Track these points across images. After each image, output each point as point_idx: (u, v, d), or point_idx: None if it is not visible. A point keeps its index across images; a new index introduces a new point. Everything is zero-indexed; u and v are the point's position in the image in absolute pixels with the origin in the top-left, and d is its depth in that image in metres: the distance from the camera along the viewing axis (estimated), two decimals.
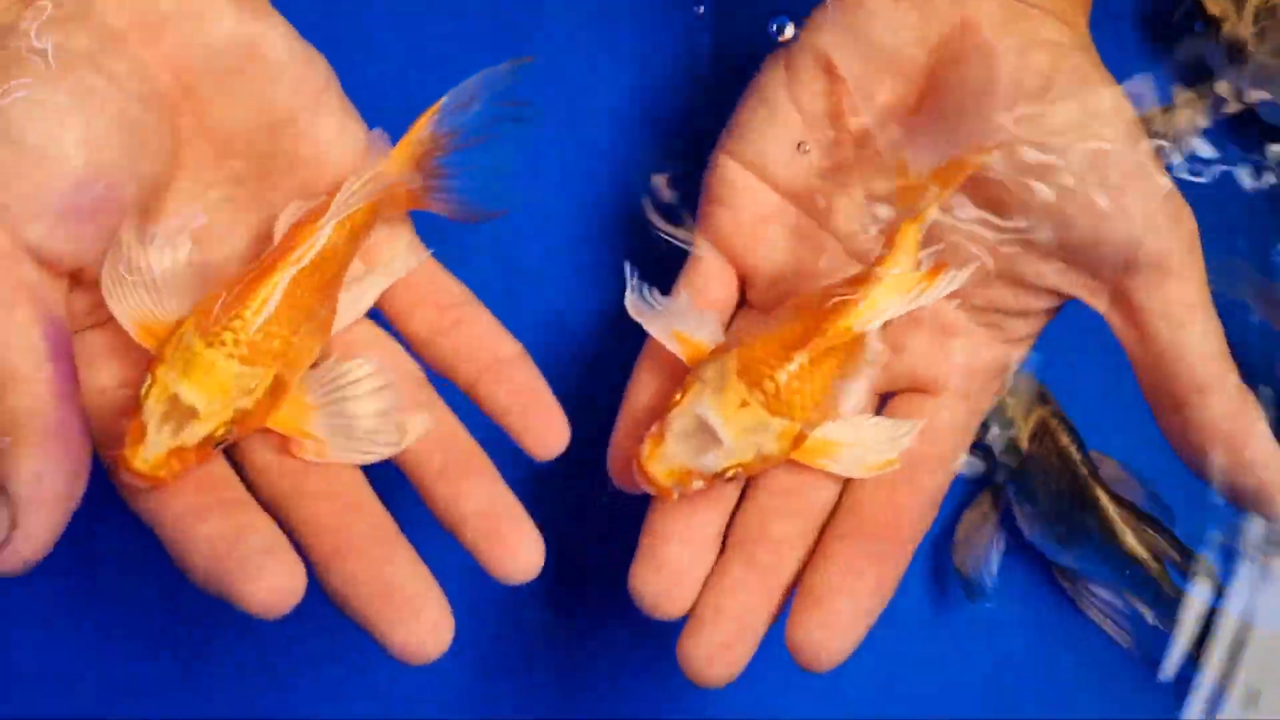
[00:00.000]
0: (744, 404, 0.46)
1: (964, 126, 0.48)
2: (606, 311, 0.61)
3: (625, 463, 0.48)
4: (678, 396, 0.46)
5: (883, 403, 0.53)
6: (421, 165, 0.50)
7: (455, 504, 0.46)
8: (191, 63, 0.47)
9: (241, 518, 0.44)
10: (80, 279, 0.46)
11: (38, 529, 0.41)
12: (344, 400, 0.47)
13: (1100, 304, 0.50)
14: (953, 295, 0.51)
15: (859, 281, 0.48)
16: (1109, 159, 0.48)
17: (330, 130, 0.49)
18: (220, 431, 0.43)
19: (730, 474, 0.46)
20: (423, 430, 0.47)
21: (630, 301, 0.50)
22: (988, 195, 0.49)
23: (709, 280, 0.53)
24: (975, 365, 0.52)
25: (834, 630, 0.46)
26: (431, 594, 0.44)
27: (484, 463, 0.48)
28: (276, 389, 0.45)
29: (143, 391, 0.43)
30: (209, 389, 0.43)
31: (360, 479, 0.47)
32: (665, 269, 0.53)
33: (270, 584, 0.42)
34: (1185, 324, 0.48)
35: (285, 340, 0.45)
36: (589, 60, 0.62)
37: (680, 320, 0.50)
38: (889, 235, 0.49)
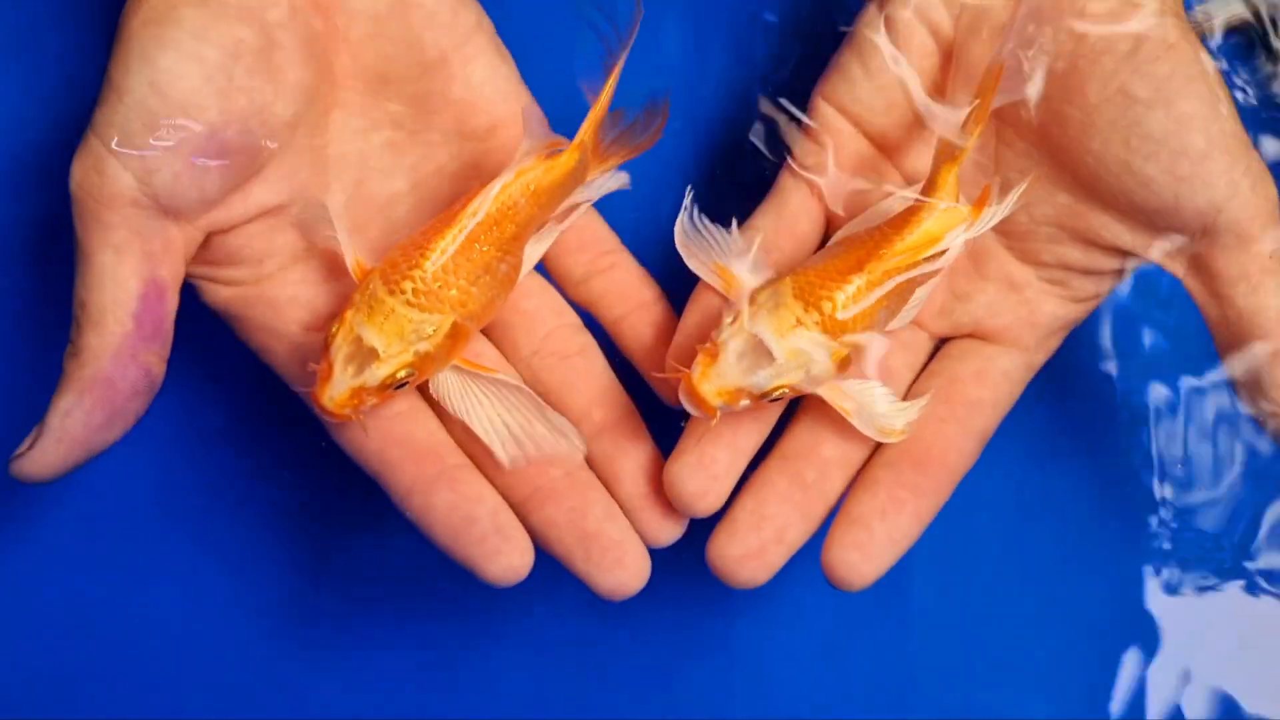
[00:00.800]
0: (798, 323, 0.47)
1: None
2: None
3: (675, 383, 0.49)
4: (729, 319, 0.47)
5: (938, 346, 0.54)
6: (598, 139, 0.51)
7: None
8: (344, 6, 0.48)
9: (468, 489, 0.48)
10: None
11: (47, 456, 0.44)
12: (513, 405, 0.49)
13: (1177, 269, 0.50)
14: (1021, 251, 0.51)
15: (908, 217, 0.49)
16: (1194, 123, 0.47)
17: (481, 71, 0.50)
18: (401, 373, 0.46)
19: (777, 394, 0.47)
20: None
21: (679, 228, 0.50)
22: (1066, 160, 0.49)
23: (799, 215, 0.53)
24: (1037, 319, 0.52)
25: (868, 553, 0.48)
26: (628, 537, 0.48)
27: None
28: (456, 334, 0.47)
29: (331, 332, 0.46)
30: (388, 333, 0.45)
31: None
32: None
33: (506, 564, 0.47)
34: (1263, 288, 0.48)
35: (463, 290, 0.47)
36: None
37: (727, 256, 0.50)
38: (929, 177, 0.49)
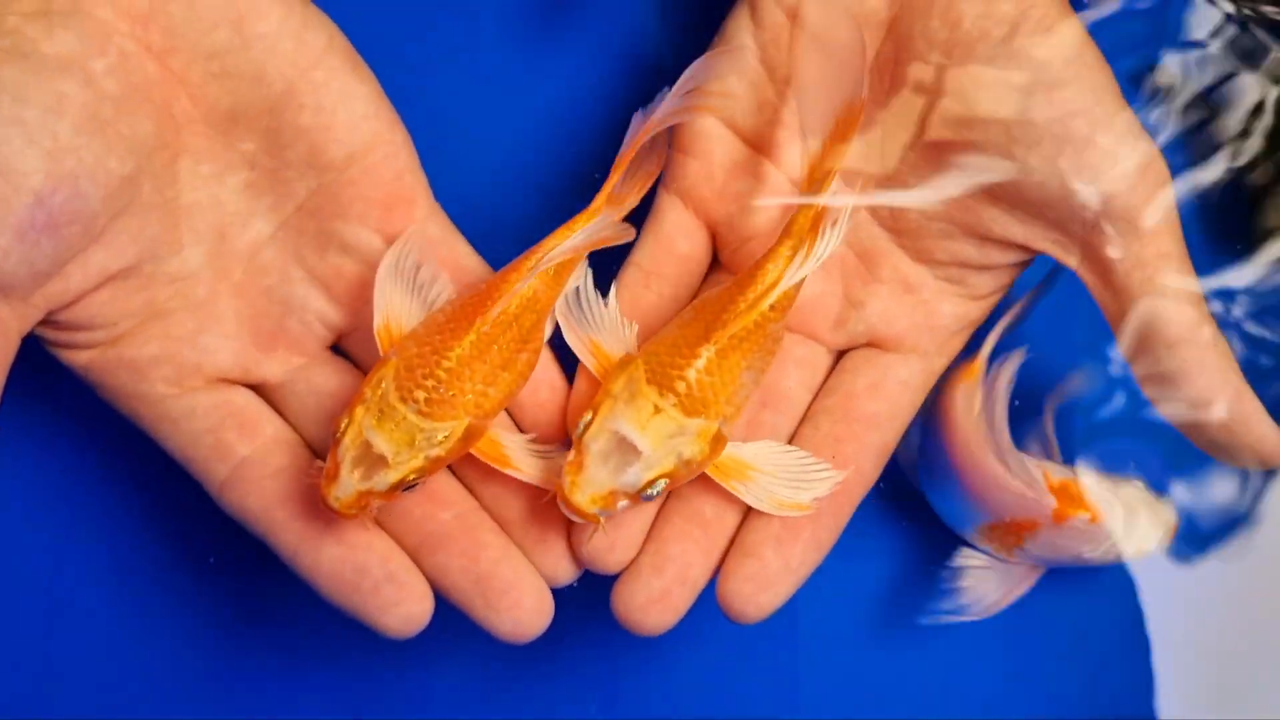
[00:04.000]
0: (657, 410, 0.45)
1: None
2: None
3: None
4: (588, 416, 0.45)
5: (838, 358, 0.52)
6: (623, 195, 0.50)
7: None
8: (179, 47, 0.45)
9: (356, 539, 0.46)
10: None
11: None
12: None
13: (1070, 259, 0.48)
14: (914, 249, 0.49)
15: (754, 271, 0.47)
16: (1077, 111, 0.46)
17: (333, 96, 0.47)
18: (411, 477, 0.44)
19: (655, 488, 0.45)
20: None
21: (560, 303, 0.49)
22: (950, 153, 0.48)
23: (675, 235, 0.51)
24: (935, 322, 0.50)
25: (761, 583, 0.47)
26: (524, 576, 0.46)
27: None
28: (469, 435, 0.45)
29: (340, 428, 0.44)
30: (398, 441, 0.44)
31: (444, 472, 0.48)
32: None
33: (403, 614, 0.45)
34: (1158, 276, 0.46)
35: (479, 393, 0.45)
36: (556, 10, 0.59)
37: (600, 331, 0.49)
38: (785, 223, 0.47)
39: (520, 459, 0.47)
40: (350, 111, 0.47)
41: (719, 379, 0.46)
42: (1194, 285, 0.47)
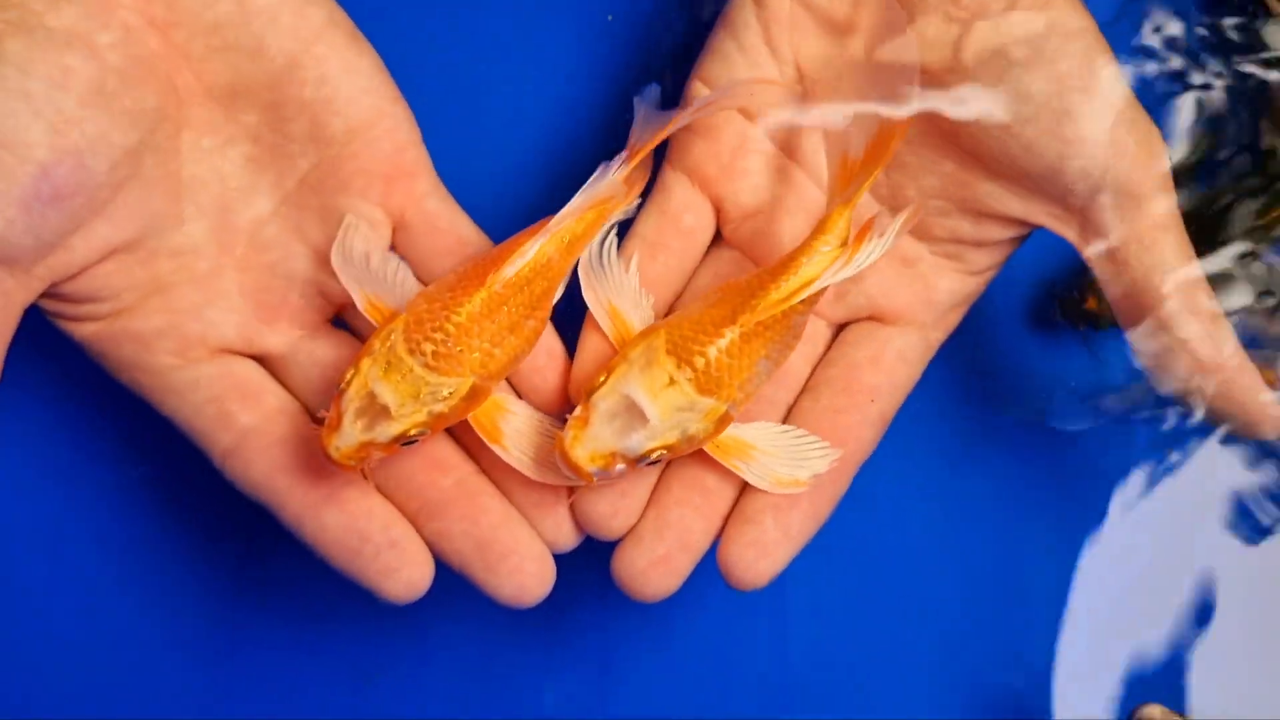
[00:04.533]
0: (671, 382, 0.45)
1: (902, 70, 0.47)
2: None
3: None
4: (602, 378, 0.45)
5: (838, 331, 0.52)
6: (634, 178, 0.50)
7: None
8: (182, 20, 0.46)
9: (357, 506, 0.46)
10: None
11: None
12: (538, 427, 0.48)
13: (1070, 232, 0.48)
14: (914, 227, 0.49)
15: (788, 262, 0.47)
16: (1073, 82, 0.46)
17: (335, 71, 0.47)
18: (413, 431, 0.44)
19: (655, 456, 0.45)
20: None
21: (584, 260, 0.49)
22: (947, 128, 0.48)
23: (680, 210, 0.51)
24: (933, 296, 0.51)
25: (762, 549, 0.47)
26: (525, 541, 0.46)
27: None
28: (474, 395, 0.45)
29: (345, 380, 0.44)
30: (403, 392, 0.44)
31: (445, 435, 0.48)
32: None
33: (403, 579, 0.46)
34: (1155, 247, 0.47)
35: (485, 352, 0.45)
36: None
37: (619, 295, 0.49)
38: (821, 219, 0.47)
39: (521, 429, 0.47)
40: (351, 85, 0.47)
41: (738, 362, 0.46)
42: (1191, 256, 0.47)
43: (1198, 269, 0.47)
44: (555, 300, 0.49)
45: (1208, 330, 0.47)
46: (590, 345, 0.49)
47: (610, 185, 0.48)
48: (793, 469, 0.48)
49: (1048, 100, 0.46)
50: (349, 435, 0.43)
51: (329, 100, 0.47)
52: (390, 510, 0.47)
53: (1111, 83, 0.46)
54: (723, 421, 0.46)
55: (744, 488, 0.48)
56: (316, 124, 0.47)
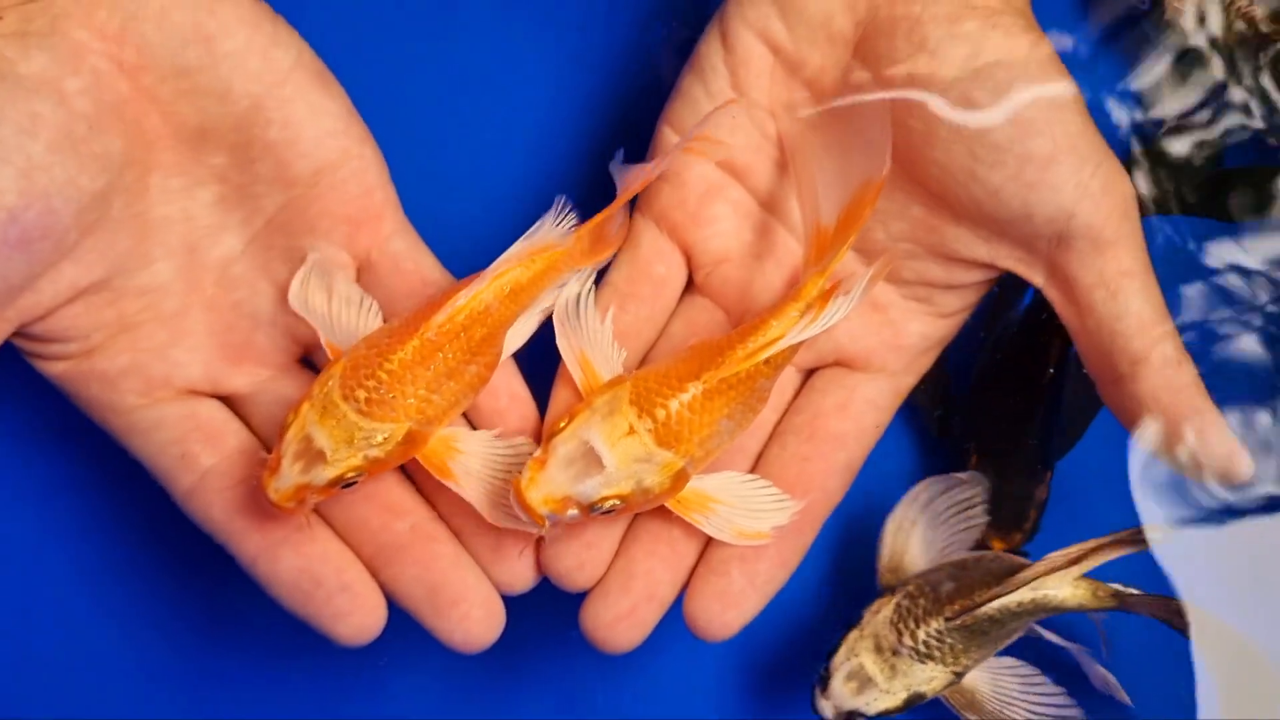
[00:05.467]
0: (631, 431, 0.45)
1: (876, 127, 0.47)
2: None
3: None
4: (563, 423, 0.46)
5: (807, 377, 0.52)
6: (596, 246, 0.50)
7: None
8: (151, 65, 0.46)
9: (312, 549, 0.47)
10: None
11: None
12: (489, 464, 0.48)
13: (1036, 277, 0.48)
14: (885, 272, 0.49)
15: (758, 324, 0.47)
16: (1037, 128, 0.46)
17: (301, 111, 0.47)
18: (350, 475, 0.45)
19: (608, 505, 0.45)
20: None
21: (559, 309, 0.49)
22: (914, 173, 0.48)
23: (651, 258, 0.51)
24: (902, 340, 0.50)
25: (728, 601, 0.47)
26: (474, 587, 0.47)
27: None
28: (410, 441, 0.46)
29: (286, 423, 0.45)
30: (338, 437, 0.45)
31: (401, 479, 0.49)
32: None
33: (355, 624, 0.46)
34: (1121, 294, 0.46)
35: (421, 399, 0.46)
36: (531, 37, 0.60)
37: (592, 347, 0.49)
38: (794, 285, 0.48)
39: (472, 469, 0.47)
40: (317, 127, 0.48)
41: (699, 418, 0.46)
42: (1158, 303, 0.47)
43: (1166, 314, 0.47)
44: (521, 344, 0.49)
45: (1171, 378, 0.46)
46: (563, 396, 0.49)
47: (552, 235, 0.48)
48: (753, 521, 0.48)
49: (1011, 145, 0.46)
50: (286, 477, 0.44)
51: (293, 142, 0.47)
52: (345, 554, 0.47)
53: (1080, 128, 0.46)
54: (679, 478, 0.46)
55: (710, 538, 0.48)
56: (281, 165, 0.48)
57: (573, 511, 0.44)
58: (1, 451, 0.57)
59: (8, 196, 0.43)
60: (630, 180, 0.49)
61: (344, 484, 0.45)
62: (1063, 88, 0.46)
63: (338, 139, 0.48)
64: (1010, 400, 0.57)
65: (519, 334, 0.50)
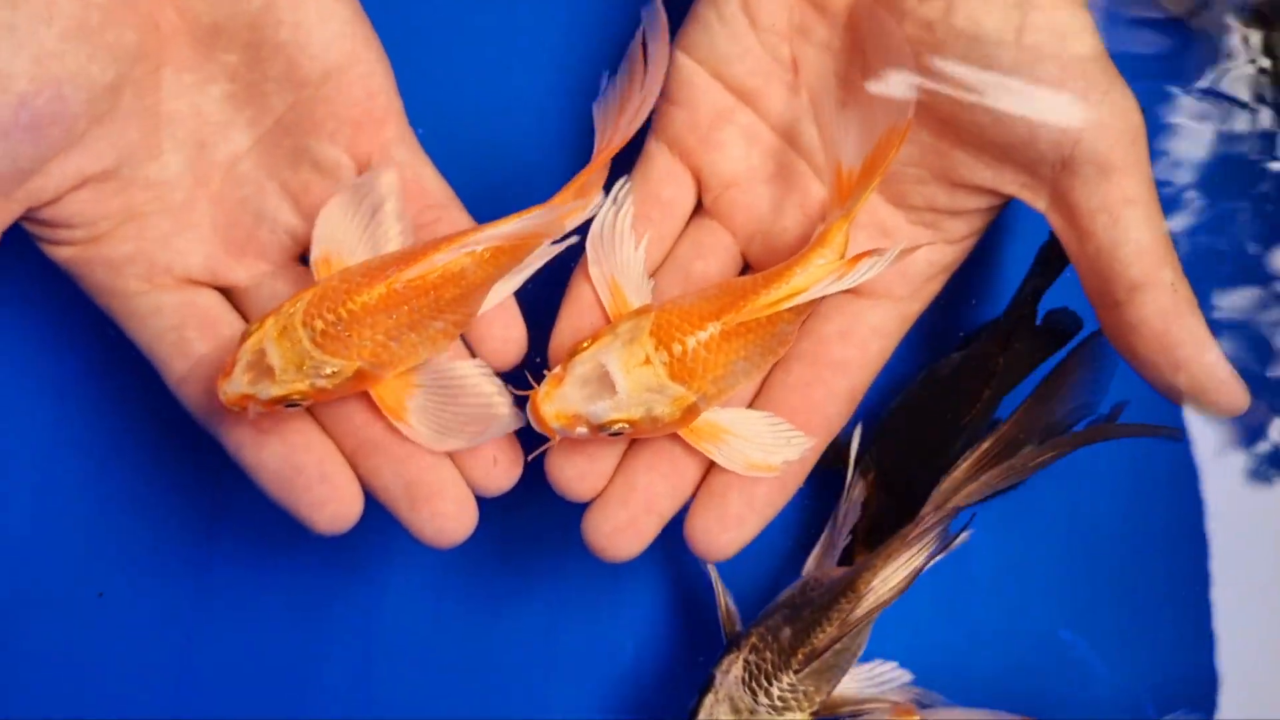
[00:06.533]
0: (647, 361, 0.46)
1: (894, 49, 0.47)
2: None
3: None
4: (586, 344, 0.47)
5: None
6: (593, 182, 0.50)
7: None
8: None
9: (296, 438, 0.48)
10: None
11: None
12: (444, 396, 0.48)
13: (1039, 202, 0.48)
14: (890, 193, 0.50)
15: (783, 270, 0.48)
16: (1045, 53, 0.46)
17: (312, 15, 0.48)
18: (293, 397, 0.45)
19: (616, 428, 0.46)
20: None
21: (597, 226, 0.50)
22: (921, 97, 0.48)
23: (661, 181, 0.51)
24: (909, 266, 0.50)
25: (726, 523, 0.48)
26: (450, 484, 0.47)
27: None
28: (359, 378, 0.46)
29: (249, 330, 0.46)
30: (289, 360, 0.45)
31: None
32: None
33: (331, 513, 0.47)
34: (1122, 221, 0.46)
35: (378, 343, 0.46)
36: None
37: (624, 273, 0.49)
38: (821, 230, 0.48)
39: (426, 405, 0.48)
40: (327, 30, 0.48)
41: (714, 357, 0.47)
42: (1160, 231, 0.46)
43: (1168, 243, 0.46)
44: (501, 299, 0.49)
45: (1170, 303, 0.46)
46: (572, 314, 0.50)
47: (551, 224, 0.49)
48: (764, 455, 0.48)
49: (1018, 69, 0.45)
50: (234, 384, 0.45)
51: (304, 44, 0.48)
52: (327, 446, 0.48)
53: (1088, 48, 0.46)
54: (689, 412, 0.47)
55: (712, 461, 0.49)
56: (291, 65, 0.48)
57: (582, 429, 0.46)
58: None
59: (19, 81, 0.44)
60: (607, 132, 0.49)
61: (288, 404, 0.46)
62: (1074, 12, 0.46)
63: (345, 42, 0.49)
64: (925, 433, 0.56)
65: (500, 291, 0.50)
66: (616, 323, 0.47)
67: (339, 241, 0.48)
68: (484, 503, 0.48)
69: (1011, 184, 0.48)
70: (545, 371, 0.47)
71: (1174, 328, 0.46)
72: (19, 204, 0.46)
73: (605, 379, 0.46)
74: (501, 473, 0.48)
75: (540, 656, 0.59)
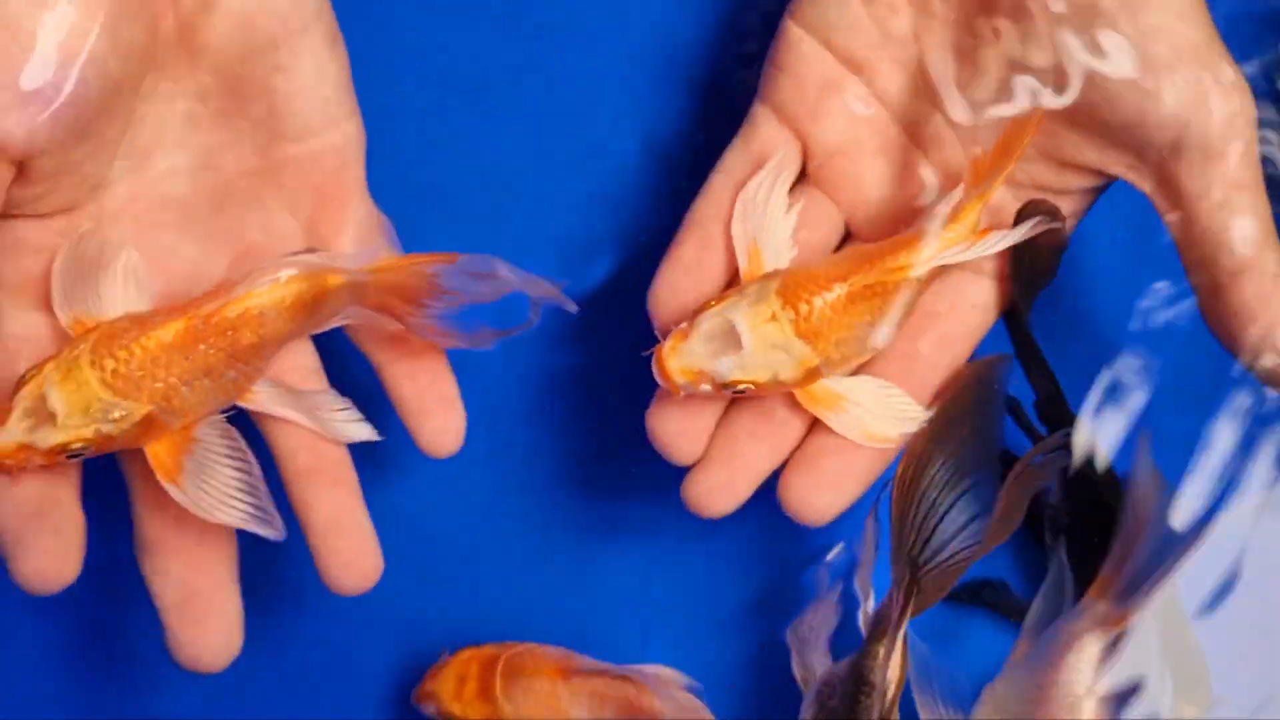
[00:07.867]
0: (773, 318, 0.47)
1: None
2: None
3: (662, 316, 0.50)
4: (714, 302, 0.47)
5: None
6: (404, 294, 0.47)
7: (307, 509, 0.48)
8: None
9: (49, 491, 0.45)
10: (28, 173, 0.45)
11: None
12: (212, 464, 0.46)
13: (1145, 184, 0.48)
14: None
15: (913, 238, 0.48)
16: (1158, 34, 0.46)
17: (308, 70, 0.47)
18: (76, 445, 0.43)
19: (740, 387, 0.47)
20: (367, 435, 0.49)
21: (748, 190, 0.50)
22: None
23: (767, 146, 0.52)
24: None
25: (821, 487, 0.49)
26: (224, 606, 0.47)
27: (347, 474, 0.49)
28: (148, 424, 0.44)
29: (27, 375, 0.44)
30: (73, 403, 0.43)
31: None
32: None
33: (36, 565, 0.44)
34: (1228, 205, 0.46)
35: (170, 386, 0.44)
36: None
37: (767, 237, 0.50)
38: (958, 204, 0.48)
39: (203, 463, 0.45)
40: (319, 89, 0.48)
41: (840, 318, 0.47)
42: (1266, 217, 0.47)
43: (1272, 229, 0.47)
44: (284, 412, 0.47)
45: (1268, 291, 0.46)
46: (675, 272, 0.51)
47: (361, 260, 0.47)
48: (883, 425, 0.49)
49: (1131, 53, 0.46)
50: (10, 433, 0.43)
51: (293, 95, 0.47)
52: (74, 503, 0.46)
53: (1200, 33, 0.46)
54: (811, 374, 0.48)
55: (812, 424, 0.50)
56: (273, 114, 0.48)
57: (706, 386, 0.47)
58: None
59: (46, 49, 0.42)
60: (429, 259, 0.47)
61: (69, 454, 0.43)
62: None
63: (332, 107, 0.48)
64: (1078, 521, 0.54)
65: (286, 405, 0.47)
66: (746, 284, 0.48)
67: (84, 301, 0.46)
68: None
69: (1118, 165, 0.48)
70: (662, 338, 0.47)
71: (1274, 312, 0.46)
72: (10, 170, 0.44)
73: (731, 334, 0.47)
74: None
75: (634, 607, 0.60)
